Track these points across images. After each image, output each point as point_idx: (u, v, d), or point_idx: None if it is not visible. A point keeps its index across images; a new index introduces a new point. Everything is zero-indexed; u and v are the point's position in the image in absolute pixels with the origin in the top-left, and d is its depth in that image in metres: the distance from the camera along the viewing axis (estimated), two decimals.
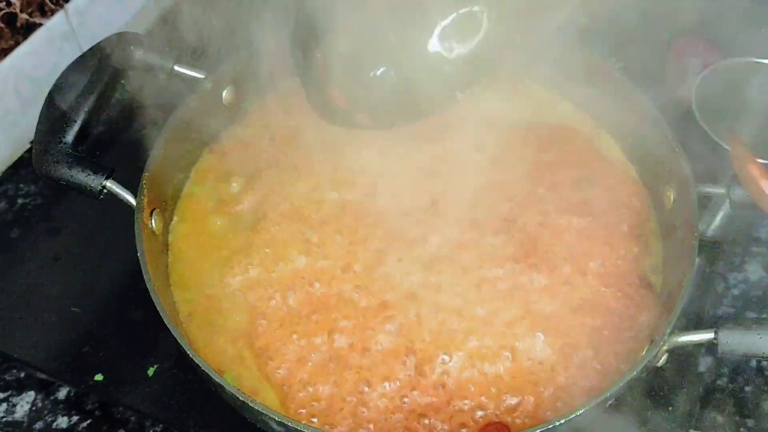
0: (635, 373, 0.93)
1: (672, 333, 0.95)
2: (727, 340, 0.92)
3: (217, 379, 0.91)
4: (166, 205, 1.11)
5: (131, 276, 1.20)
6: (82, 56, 1.09)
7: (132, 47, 1.12)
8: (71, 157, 1.02)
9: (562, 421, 0.89)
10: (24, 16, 1.36)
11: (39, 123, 1.04)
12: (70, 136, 1.03)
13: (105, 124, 1.42)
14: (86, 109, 1.04)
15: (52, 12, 1.41)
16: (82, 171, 1.01)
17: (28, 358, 1.16)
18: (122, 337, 1.18)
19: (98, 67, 1.07)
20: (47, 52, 1.42)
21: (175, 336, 0.94)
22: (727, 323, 0.93)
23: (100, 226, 1.29)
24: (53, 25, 1.42)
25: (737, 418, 1.16)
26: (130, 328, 1.19)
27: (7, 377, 1.18)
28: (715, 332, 0.92)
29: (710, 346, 1.14)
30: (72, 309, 1.16)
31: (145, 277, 0.98)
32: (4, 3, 1.32)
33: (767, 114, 1.26)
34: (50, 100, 1.05)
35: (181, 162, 1.17)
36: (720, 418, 1.15)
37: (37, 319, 1.19)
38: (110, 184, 1.02)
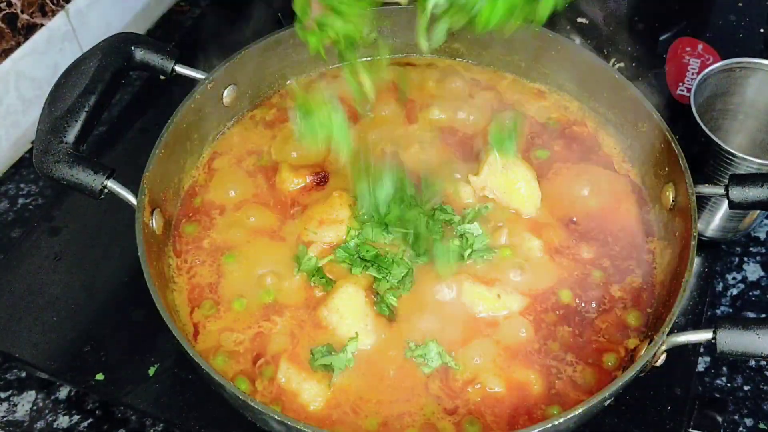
0: (633, 372, 0.93)
1: (671, 333, 0.95)
2: (725, 339, 0.92)
3: (217, 379, 0.91)
4: (166, 205, 1.11)
5: (132, 275, 1.22)
6: (84, 56, 1.09)
7: (133, 48, 1.12)
8: (72, 156, 1.02)
9: (561, 420, 0.90)
10: (25, 16, 1.37)
11: (40, 123, 1.04)
12: (71, 136, 1.03)
13: (106, 124, 1.42)
14: (87, 109, 1.04)
15: (53, 13, 1.42)
16: (83, 171, 1.02)
17: (28, 357, 1.16)
18: (123, 337, 1.18)
19: (99, 67, 1.07)
20: (48, 52, 1.43)
21: (176, 336, 0.94)
22: (726, 323, 0.92)
23: (101, 226, 1.29)
24: (54, 25, 1.42)
25: (736, 417, 1.17)
26: (130, 327, 1.19)
27: (8, 377, 1.18)
28: (714, 332, 0.92)
29: (709, 346, 1.16)
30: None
31: (145, 276, 0.98)
32: (5, 3, 1.32)
33: (766, 114, 1.26)
34: (51, 100, 1.05)
35: (181, 162, 1.17)
36: (719, 418, 1.15)
37: (37, 318, 1.20)
38: (111, 184, 1.03)
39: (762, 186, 1.01)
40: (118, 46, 1.11)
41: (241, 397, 0.90)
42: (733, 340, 0.92)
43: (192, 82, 1.16)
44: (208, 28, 1.58)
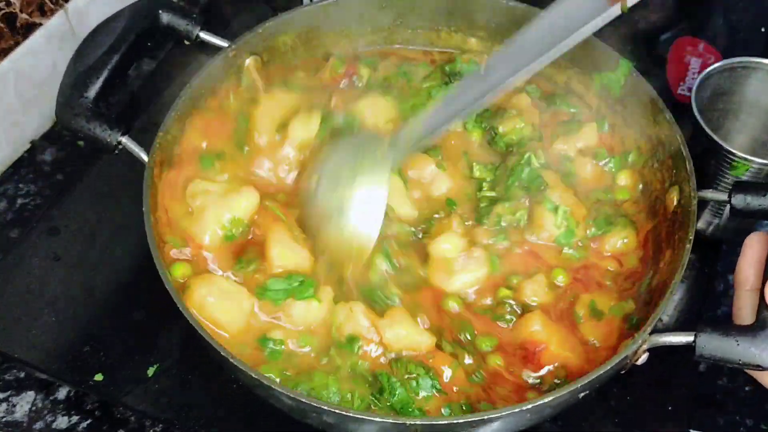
0: (608, 366, 0.92)
1: (653, 332, 0.95)
2: (704, 344, 0.90)
3: (230, 359, 0.90)
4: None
5: (131, 276, 1.22)
6: (112, 17, 1.12)
7: (160, 11, 1.14)
8: (91, 111, 1.05)
9: (529, 406, 0.89)
10: (24, 16, 1.36)
11: (64, 77, 1.08)
12: (92, 92, 1.06)
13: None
14: (109, 67, 1.07)
15: (52, 12, 1.41)
16: (100, 126, 1.05)
17: (28, 357, 1.16)
18: (122, 337, 1.18)
19: (125, 27, 1.10)
20: (47, 52, 1.42)
21: (180, 309, 0.94)
22: (707, 327, 0.91)
23: (100, 226, 1.29)
24: (53, 25, 1.42)
25: (737, 417, 1.17)
26: (130, 327, 1.19)
27: (7, 377, 1.18)
28: (695, 335, 0.91)
29: None
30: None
31: (147, 233, 0.99)
32: (4, 3, 1.32)
33: (767, 114, 1.26)
34: (76, 56, 1.08)
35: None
36: (720, 418, 1.15)
37: (36, 319, 1.19)
38: (126, 141, 1.06)
39: (766, 195, 1.01)
40: (145, 7, 1.13)
41: (254, 375, 0.90)
42: (713, 344, 0.90)
43: (215, 50, 1.17)
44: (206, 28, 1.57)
